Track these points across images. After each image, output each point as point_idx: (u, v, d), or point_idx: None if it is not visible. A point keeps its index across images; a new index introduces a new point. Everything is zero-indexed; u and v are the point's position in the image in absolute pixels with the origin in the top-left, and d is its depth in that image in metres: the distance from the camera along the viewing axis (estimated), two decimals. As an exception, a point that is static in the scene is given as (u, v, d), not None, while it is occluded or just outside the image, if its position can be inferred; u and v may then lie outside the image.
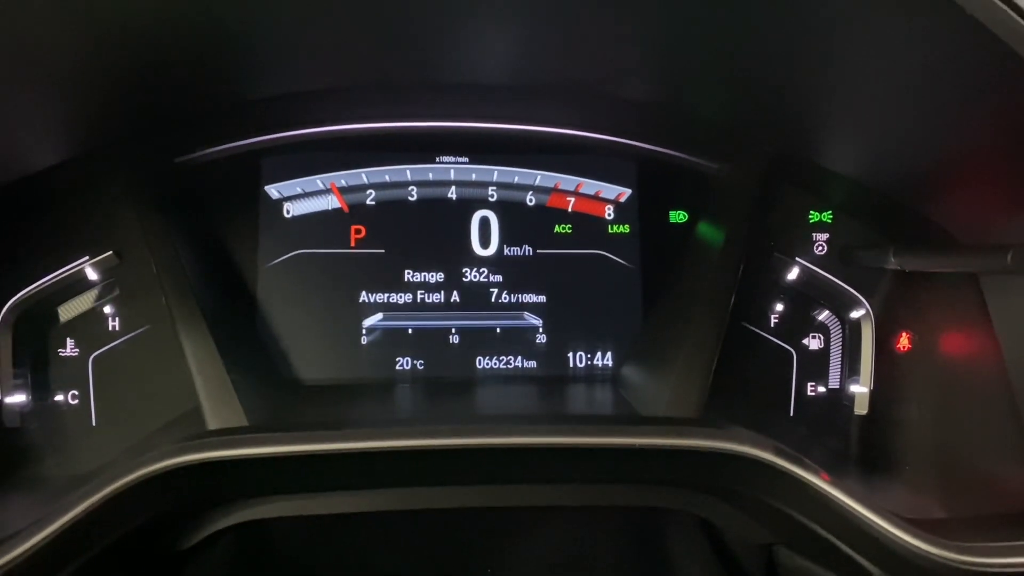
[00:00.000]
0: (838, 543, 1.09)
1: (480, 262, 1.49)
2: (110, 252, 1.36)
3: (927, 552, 0.99)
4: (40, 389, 1.36)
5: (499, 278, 1.49)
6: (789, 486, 1.07)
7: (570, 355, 1.49)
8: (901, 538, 1.00)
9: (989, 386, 1.25)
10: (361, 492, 1.28)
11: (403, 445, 1.06)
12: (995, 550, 1.00)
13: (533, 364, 1.49)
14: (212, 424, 1.18)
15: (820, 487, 1.04)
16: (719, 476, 1.16)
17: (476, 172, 1.50)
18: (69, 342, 1.37)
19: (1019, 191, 1.12)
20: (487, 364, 1.48)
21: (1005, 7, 0.81)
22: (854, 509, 1.02)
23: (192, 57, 1.14)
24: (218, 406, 1.19)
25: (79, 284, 1.36)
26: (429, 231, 1.48)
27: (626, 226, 1.51)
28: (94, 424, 1.37)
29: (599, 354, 1.49)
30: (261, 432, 1.07)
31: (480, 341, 1.48)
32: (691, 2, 0.97)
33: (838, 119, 1.25)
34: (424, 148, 1.49)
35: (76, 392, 1.37)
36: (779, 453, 1.06)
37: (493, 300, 1.49)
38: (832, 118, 1.26)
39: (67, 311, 1.37)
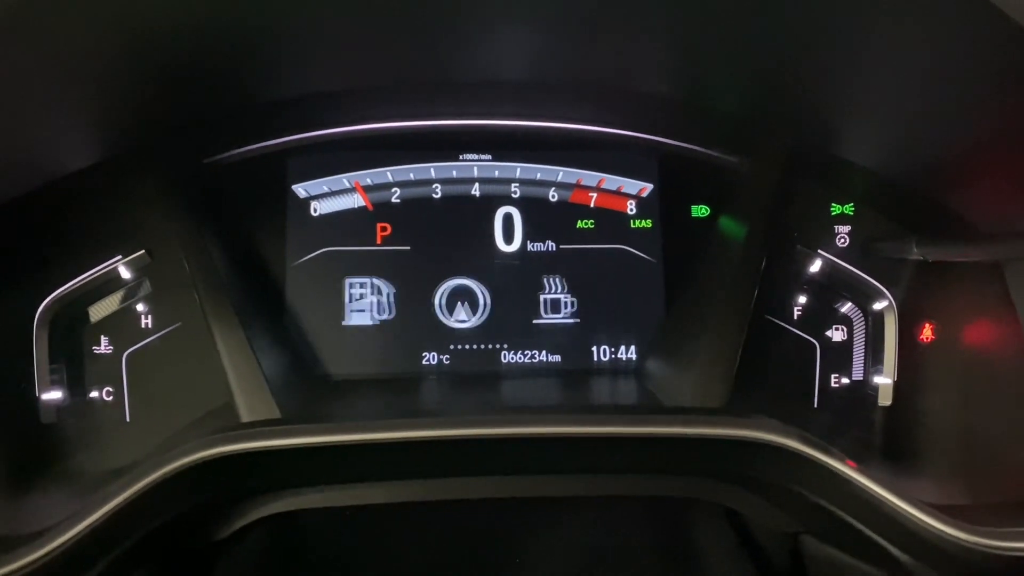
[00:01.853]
0: (865, 530, 1.10)
1: (504, 258, 1.50)
2: (142, 251, 1.38)
3: (955, 537, 1.00)
4: (75, 386, 1.39)
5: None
6: (815, 474, 1.08)
7: (594, 349, 1.51)
8: (929, 523, 1.01)
9: (1013, 375, 1.26)
10: (391, 483, 1.30)
11: (432, 435, 1.08)
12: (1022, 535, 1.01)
13: (558, 358, 1.50)
14: (246, 417, 1.20)
15: (846, 474, 1.05)
16: (745, 465, 1.17)
17: (499, 169, 1.51)
18: (103, 340, 1.40)
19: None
20: (512, 358, 1.49)
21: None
22: (881, 495, 1.03)
23: (218, 60, 1.17)
24: (251, 400, 1.21)
25: (112, 283, 1.39)
26: (453, 228, 1.50)
27: (648, 221, 1.52)
28: (128, 420, 1.39)
29: (623, 347, 1.51)
30: (295, 424, 1.09)
31: (505, 336, 1.50)
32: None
33: (858, 111, 1.26)
34: (448, 146, 1.50)
35: (110, 388, 1.39)
36: (805, 441, 1.07)
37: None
38: (852, 110, 1.26)
39: (100, 309, 1.40)
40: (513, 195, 1.51)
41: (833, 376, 1.48)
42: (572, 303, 1.50)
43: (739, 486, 1.30)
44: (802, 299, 1.47)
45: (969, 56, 0.94)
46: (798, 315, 1.48)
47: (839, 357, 1.48)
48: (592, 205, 1.52)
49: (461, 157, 1.51)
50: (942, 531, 1.00)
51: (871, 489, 1.04)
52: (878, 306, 1.46)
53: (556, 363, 1.50)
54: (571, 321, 1.50)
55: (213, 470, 1.06)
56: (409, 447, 1.09)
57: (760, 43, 1.11)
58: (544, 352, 1.50)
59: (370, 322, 1.47)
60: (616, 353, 1.50)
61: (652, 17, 1.08)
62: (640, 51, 1.24)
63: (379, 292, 1.48)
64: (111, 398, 1.40)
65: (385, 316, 1.48)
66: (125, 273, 1.38)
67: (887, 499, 1.03)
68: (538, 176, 1.52)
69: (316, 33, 1.14)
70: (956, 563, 1.02)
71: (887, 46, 0.99)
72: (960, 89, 1.03)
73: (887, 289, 1.45)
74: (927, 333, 1.44)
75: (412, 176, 1.50)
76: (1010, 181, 1.19)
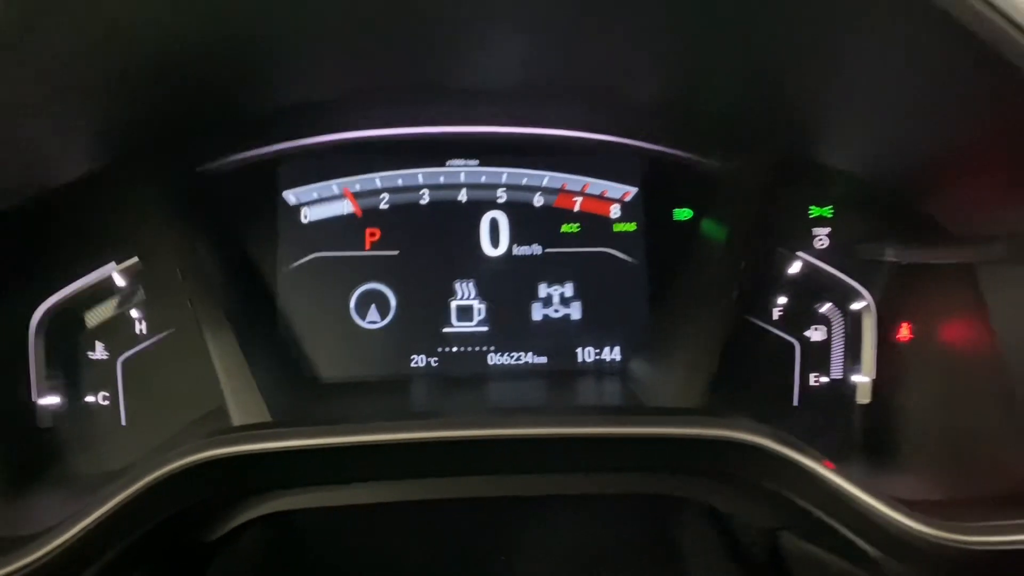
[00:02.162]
0: (837, 526, 1.12)
1: (490, 262, 1.53)
2: (135, 258, 1.40)
3: (922, 532, 1.02)
4: (72, 391, 1.40)
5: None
6: (788, 471, 1.10)
7: (579, 350, 1.53)
8: (897, 520, 1.03)
9: (986, 373, 1.28)
10: (381, 483, 1.33)
11: (420, 437, 1.10)
12: (989, 529, 1.03)
13: (543, 360, 1.53)
14: (237, 421, 1.22)
15: (816, 471, 1.07)
16: (722, 464, 1.19)
17: (486, 175, 1.53)
18: (99, 345, 1.42)
19: (1009, 184, 1.15)
20: (499, 360, 1.52)
21: (989, 11, 0.84)
22: (850, 492, 1.05)
23: (210, 71, 1.18)
24: (243, 404, 1.24)
25: (107, 289, 1.40)
26: (441, 233, 1.52)
27: (632, 224, 1.54)
28: (124, 424, 1.41)
29: (607, 349, 1.53)
30: (285, 427, 1.12)
31: (491, 338, 1.53)
32: (696, 5, 1.01)
33: (838, 118, 1.28)
34: (435, 152, 1.53)
35: (106, 393, 1.41)
36: (778, 439, 1.09)
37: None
38: (833, 117, 1.29)
39: (95, 316, 1.42)
40: (499, 200, 1.53)
41: (812, 375, 1.50)
42: (557, 306, 1.53)
43: (719, 484, 1.32)
44: (782, 300, 1.49)
45: (945, 69, 0.95)
46: (778, 315, 1.49)
47: (818, 356, 1.50)
48: (576, 209, 1.54)
49: (448, 163, 1.53)
50: (910, 527, 1.02)
51: (840, 486, 1.06)
52: (856, 306, 1.47)
53: (542, 364, 1.53)
54: (556, 323, 1.53)
55: (206, 472, 1.08)
56: (397, 448, 1.12)
57: (743, 50, 1.12)
58: (530, 354, 1.53)
59: (360, 325, 1.50)
60: (600, 355, 1.53)
61: (636, 24, 1.10)
62: (624, 57, 1.26)
63: (368, 296, 1.50)
64: (107, 403, 1.41)
65: (374, 319, 1.51)
66: (119, 280, 1.39)
67: (856, 495, 1.05)
68: (524, 181, 1.54)
69: (305, 43, 1.16)
70: (926, 558, 1.05)
71: (866, 58, 1.01)
72: (936, 99, 1.05)
73: (865, 289, 1.46)
74: (904, 332, 1.46)
75: (400, 182, 1.52)
76: (981, 188, 1.22)
